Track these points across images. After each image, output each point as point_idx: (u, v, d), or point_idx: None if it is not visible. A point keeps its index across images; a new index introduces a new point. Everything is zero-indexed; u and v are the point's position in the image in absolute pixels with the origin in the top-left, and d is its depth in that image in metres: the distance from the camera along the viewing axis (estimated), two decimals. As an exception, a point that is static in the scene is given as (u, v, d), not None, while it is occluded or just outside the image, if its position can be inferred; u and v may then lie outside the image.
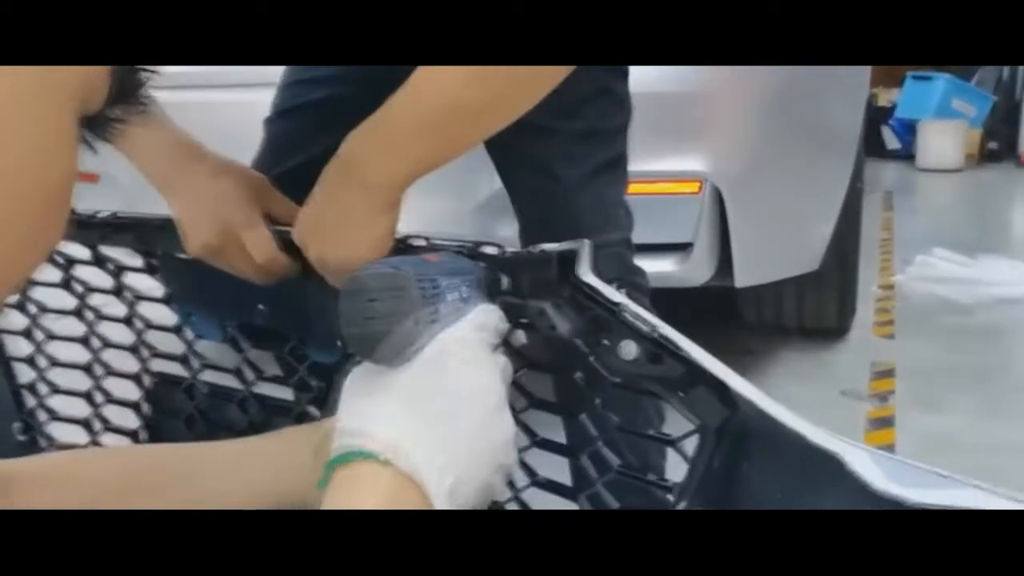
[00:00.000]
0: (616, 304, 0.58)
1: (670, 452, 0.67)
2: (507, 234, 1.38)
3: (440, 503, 0.42)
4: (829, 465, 0.48)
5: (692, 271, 1.48)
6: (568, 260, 0.58)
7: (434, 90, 0.60)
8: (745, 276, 1.56)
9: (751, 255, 1.56)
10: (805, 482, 0.51)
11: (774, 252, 1.69)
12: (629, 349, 0.59)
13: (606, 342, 0.61)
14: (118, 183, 1.82)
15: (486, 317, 0.51)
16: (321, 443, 0.47)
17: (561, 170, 0.97)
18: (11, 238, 0.34)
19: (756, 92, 1.50)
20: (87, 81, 0.35)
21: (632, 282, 1.00)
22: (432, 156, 0.62)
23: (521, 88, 0.62)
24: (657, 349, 0.58)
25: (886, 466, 0.44)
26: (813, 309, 2.05)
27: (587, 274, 0.59)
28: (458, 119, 0.61)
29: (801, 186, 1.68)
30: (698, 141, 1.36)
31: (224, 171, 0.73)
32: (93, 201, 1.95)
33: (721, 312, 1.99)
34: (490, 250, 0.61)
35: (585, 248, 0.58)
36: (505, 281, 0.63)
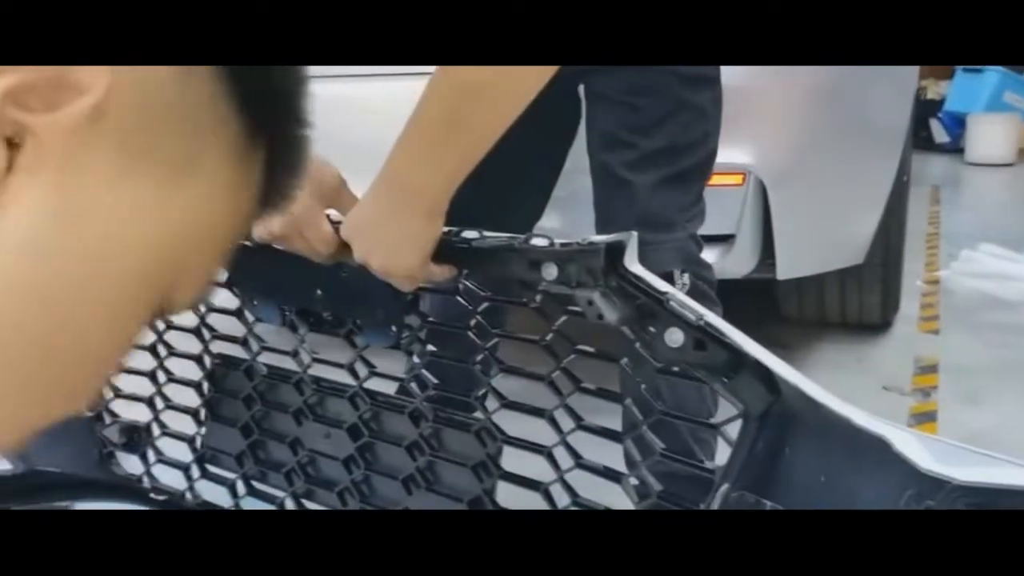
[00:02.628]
0: (663, 293, 0.60)
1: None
2: (552, 225, 1.41)
3: None
4: (875, 448, 0.49)
5: (734, 263, 1.49)
6: (616, 251, 0.60)
7: (447, 87, 0.61)
8: (787, 268, 1.56)
9: (794, 248, 1.55)
10: (851, 465, 0.52)
11: (817, 245, 1.69)
12: (675, 337, 0.61)
13: (652, 330, 0.63)
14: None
15: None
16: None
17: (636, 178, 1.01)
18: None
19: (802, 84, 1.50)
20: None
21: (697, 274, 1.03)
22: (462, 154, 0.64)
23: (528, 71, 0.61)
24: (702, 336, 0.60)
25: (932, 447, 0.45)
26: (855, 303, 2.03)
27: (634, 264, 0.61)
28: (475, 109, 0.63)
29: (846, 179, 1.66)
30: (742, 133, 1.36)
31: None
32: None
33: (761, 305, 1.99)
34: (539, 242, 0.64)
35: (632, 240, 0.60)
36: (552, 271, 0.66)
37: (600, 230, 1.11)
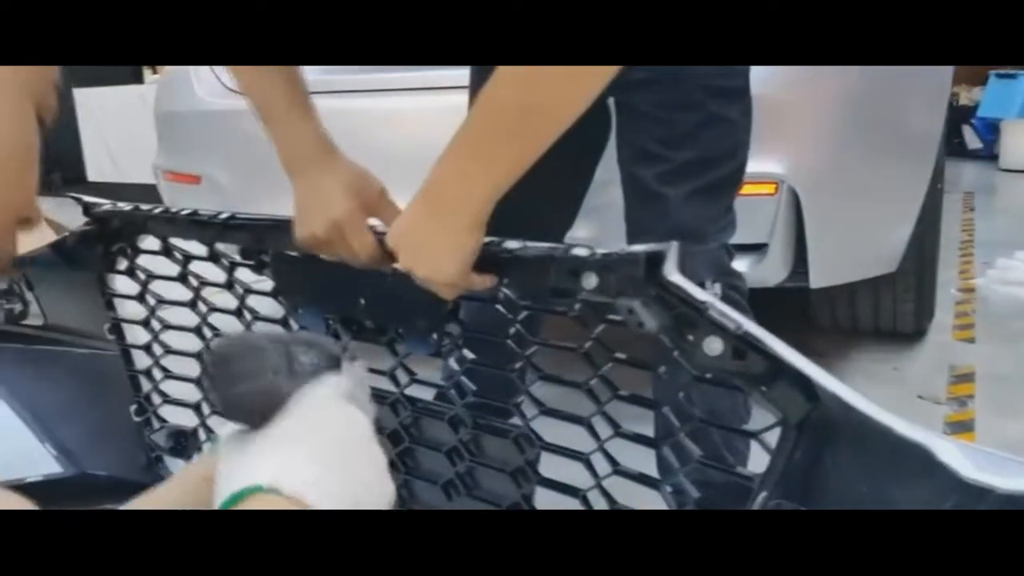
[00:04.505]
0: (702, 302, 0.61)
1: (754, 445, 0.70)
2: (581, 236, 1.43)
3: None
4: (917, 456, 0.49)
5: (767, 271, 1.49)
6: (655, 261, 0.61)
7: (494, 101, 0.63)
8: (821, 277, 1.56)
9: (827, 256, 1.55)
10: (892, 474, 0.53)
11: (851, 253, 1.68)
12: (714, 345, 0.62)
13: (690, 338, 0.64)
14: (218, 185, 1.93)
15: (338, 380, 0.53)
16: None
17: (667, 190, 1.03)
18: None
19: (834, 93, 1.50)
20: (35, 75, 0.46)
21: (729, 283, 1.04)
22: (506, 169, 0.65)
23: (571, 85, 0.62)
24: (742, 345, 0.60)
25: (974, 456, 0.46)
26: (889, 311, 2.01)
27: (674, 274, 0.62)
28: (522, 127, 0.64)
29: (879, 187, 1.65)
30: (774, 142, 1.37)
31: (346, 173, 0.79)
32: (196, 201, 2.07)
33: (793, 314, 1.98)
34: (580, 251, 0.65)
35: (672, 249, 0.61)
36: (592, 280, 0.67)
37: (631, 241, 1.12)
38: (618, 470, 0.76)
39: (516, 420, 0.82)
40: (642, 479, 0.76)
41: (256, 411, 0.50)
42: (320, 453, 0.47)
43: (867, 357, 2.08)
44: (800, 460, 0.63)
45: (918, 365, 2.05)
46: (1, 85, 0.45)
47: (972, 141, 5.54)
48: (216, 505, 0.45)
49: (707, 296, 0.61)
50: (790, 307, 1.91)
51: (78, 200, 0.96)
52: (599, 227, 1.48)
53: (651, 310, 0.61)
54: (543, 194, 1.14)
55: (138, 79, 4.73)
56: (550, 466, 0.81)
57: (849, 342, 2.12)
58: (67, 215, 0.97)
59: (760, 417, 0.65)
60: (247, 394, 0.51)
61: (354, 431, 0.50)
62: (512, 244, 0.68)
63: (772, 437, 0.64)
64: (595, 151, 1.24)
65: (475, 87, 1.22)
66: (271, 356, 0.51)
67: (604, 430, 0.76)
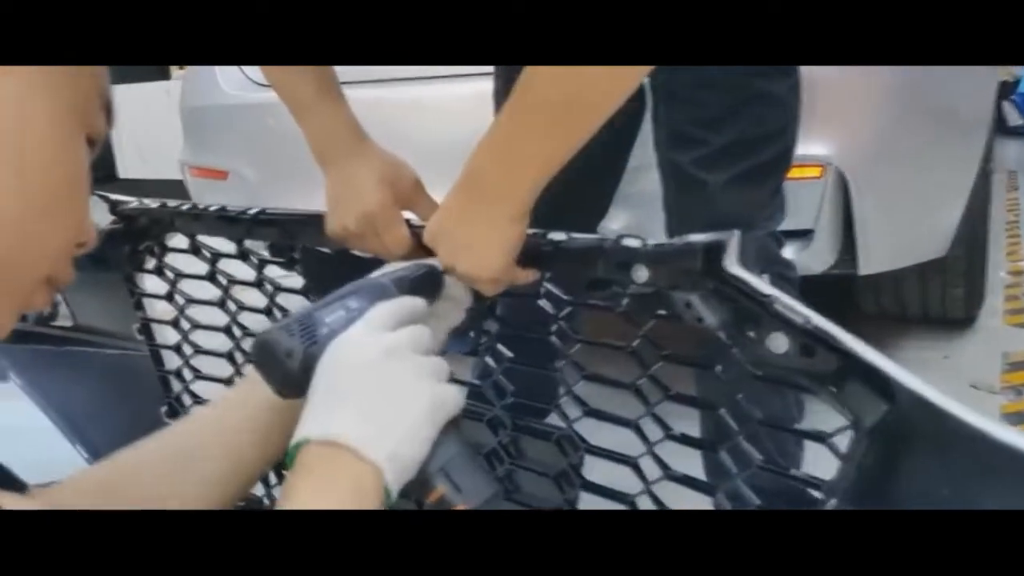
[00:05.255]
0: (767, 296, 0.56)
1: (810, 445, 0.66)
2: (614, 226, 1.38)
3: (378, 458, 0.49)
4: (1010, 461, 0.45)
5: (813, 258, 1.43)
6: (715, 252, 0.57)
7: (542, 91, 0.59)
8: (869, 263, 1.49)
9: (876, 241, 1.48)
10: (982, 481, 0.48)
11: (900, 238, 1.61)
12: (779, 342, 0.57)
13: (751, 334, 0.59)
14: (245, 180, 1.91)
15: (374, 314, 0.55)
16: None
17: (708, 176, 0.97)
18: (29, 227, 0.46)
19: (881, 72, 1.43)
20: (85, 99, 0.48)
21: (779, 273, 0.98)
22: (551, 156, 0.62)
23: (616, 74, 0.59)
24: (811, 341, 0.56)
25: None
26: (938, 297, 1.93)
27: (734, 266, 0.57)
28: (569, 113, 0.60)
29: (929, 168, 1.58)
30: (820, 123, 1.30)
31: (379, 163, 0.75)
32: (223, 196, 2.06)
33: (837, 301, 1.91)
34: (631, 242, 0.61)
35: (733, 239, 0.56)
36: (643, 274, 0.62)
37: (671, 231, 1.07)
38: (669, 474, 0.72)
39: (557, 422, 0.78)
40: (694, 484, 0.72)
41: (296, 392, 0.53)
42: (355, 399, 0.51)
43: (916, 345, 2.00)
44: (872, 466, 0.59)
45: (969, 353, 1.98)
46: (50, 109, 0.45)
47: (1012, 117, 5.36)
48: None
49: (772, 289, 0.56)
50: (833, 295, 1.84)
51: (105, 199, 0.94)
52: (632, 217, 1.43)
53: (710, 304, 0.56)
54: (574, 183, 1.09)
55: (164, 75, 4.76)
56: (590, 469, 0.77)
57: (896, 330, 2.05)
58: (97, 214, 0.95)
59: (817, 416, 0.60)
60: (276, 388, 0.54)
61: (381, 373, 0.52)
62: (557, 235, 0.64)
63: (840, 441, 0.60)
64: (629, 136, 1.18)
65: (503, 76, 1.17)
66: (281, 343, 0.53)
67: (651, 432, 0.72)
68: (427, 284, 0.63)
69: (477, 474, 0.55)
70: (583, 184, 1.11)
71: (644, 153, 1.13)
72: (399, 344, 0.54)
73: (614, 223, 1.37)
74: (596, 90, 0.59)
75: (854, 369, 0.56)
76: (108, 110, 0.50)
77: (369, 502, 0.48)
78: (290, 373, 0.53)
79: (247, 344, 0.95)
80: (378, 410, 0.50)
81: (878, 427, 0.57)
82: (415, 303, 0.59)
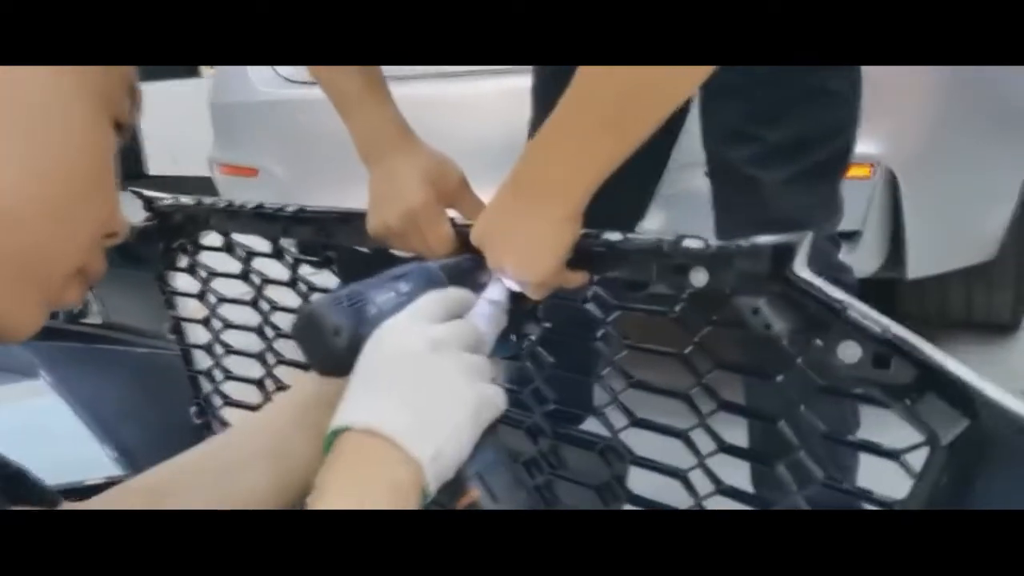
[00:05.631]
0: (840, 302, 0.52)
1: (865, 458, 0.62)
2: (653, 227, 1.34)
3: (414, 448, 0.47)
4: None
5: (860, 261, 1.37)
6: (784, 254, 0.53)
7: (606, 85, 0.56)
8: (918, 266, 1.44)
9: (926, 244, 1.43)
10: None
11: (950, 240, 1.55)
12: (851, 351, 0.53)
13: (819, 343, 0.56)
14: (275, 177, 1.90)
15: (423, 303, 0.54)
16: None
17: (763, 175, 0.93)
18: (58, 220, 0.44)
19: (932, 67, 1.38)
20: (111, 84, 0.46)
21: (836, 278, 0.94)
22: (612, 153, 0.58)
23: (678, 72, 0.56)
24: (886, 351, 0.52)
25: None
26: (983, 301, 1.87)
27: (804, 270, 0.54)
28: (635, 108, 0.57)
29: (980, 167, 1.52)
30: (870, 121, 1.25)
31: (424, 159, 0.73)
32: (252, 193, 2.05)
33: (878, 305, 1.86)
34: (693, 243, 0.57)
35: (805, 241, 0.52)
36: (702, 277, 0.59)
37: (721, 233, 1.02)
38: (722, 489, 0.68)
39: (596, 429, 0.75)
40: (749, 498, 0.68)
41: (337, 370, 0.51)
42: (398, 389, 0.49)
43: (960, 349, 1.94)
44: (948, 485, 0.55)
45: (1017, 358, 1.91)
46: (76, 94, 0.43)
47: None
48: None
49: (845, 295, 0.52)
50: (870, 299, 1.79)
51: (139, 195, 0.92)
52: (670, 217, 1.39)
53: (779, 311, 0.53)
54: (614, 182, 1.05)
55: (195, 72, 4.79)
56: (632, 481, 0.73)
57: (941, 336, 1.99)
58: (130, 210, 0.94)
59: (872, 423, 0.56)
60: (317, 363, 0.53)
61: (423, 363, 0.50)
62: (612, 236, 0.60)
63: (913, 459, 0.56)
64: (671, 132, 1.14)
65: (542, 71, 1.14)
66: (329, 317, 0.51)
67: (701, 443, 0.68)
68: (476, 278, 0.60)
69: (513, 483, 0.52)
70: (624, 183, 1.06)
71: (683, 151, 1.09)
72: (447, 338, 0.52)
73: (651, 223, 1.33)
74: (655, 88, 0.56)
75: (933, 381, 0.52)
76: (133, 94, 0.48)
77: (405, 500, 0.46)
78: (335, 351, 0.51)
79: (279, 345, 0.93)
80: (423, 405, 0.48)
81: (956, 443, 0.53)
82: (465, 295, 0.57)
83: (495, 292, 0.62)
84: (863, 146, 1.30)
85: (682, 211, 1.29)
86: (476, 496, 0.50)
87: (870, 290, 1.60)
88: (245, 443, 0.61)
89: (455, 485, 0.50)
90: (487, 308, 0.60)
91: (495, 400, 0.52)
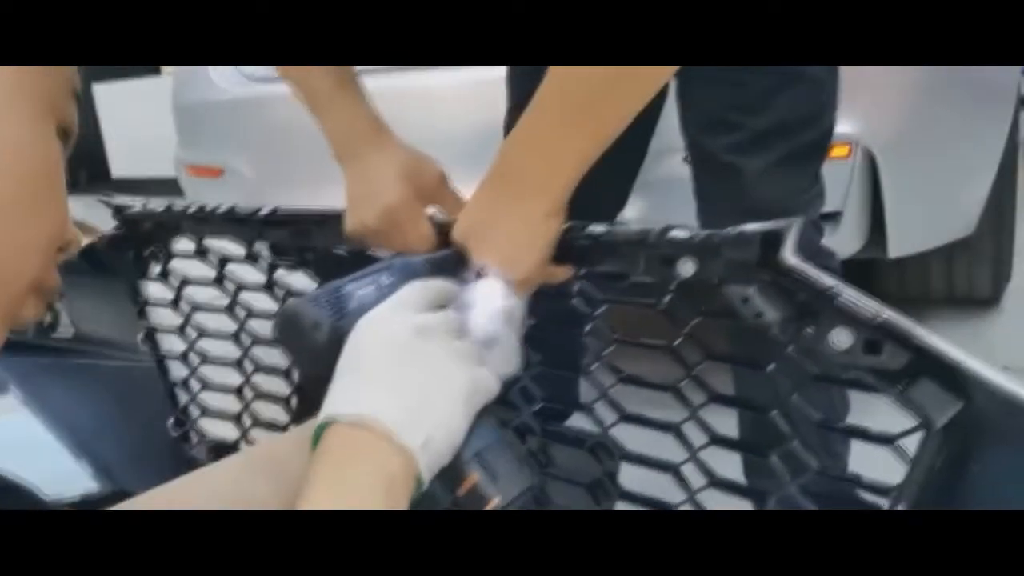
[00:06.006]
0: (830, 288, 0.51)
1: (857, 445, 0.61)
2: (633, 215, 1.32)
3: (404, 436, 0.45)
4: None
5: (841, 242, 1.37)
6: (772, 241, 0.52)
7: (579, 76, 0.55)
8: (899, 245, 1.44)
9: (906, 222, 1.43)
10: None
11: (930, 218, 1.55)
12: (842, 338, 0.52)
13: (809, 330, 0.55)
14: (243, 176, 1.87)
15: (406, 292, 0.52)
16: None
17: (745, 162, 0.91)
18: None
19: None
20: (53, 86, 0.43)
21: (820, 264, 0.93)
22: (590, 144, 0.57)
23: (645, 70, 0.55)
24: (878, 337, 0.51)
25: None
26: (964, 277, 1.88)
27: (793, 256, 0.52)
28: (610, 97, 0.56)
29: (958, 143, 1.52)
30: (847, 101, 1.25)
31: (401, 156, 0.71)
32: (218, 194, 2.01)
33: (857, 283, 1.86)
34: (679, 233, 0.56)
35: (793, 228, 0.51)
36: (689, 267, 0.57)
37: (703, 221, 1.01)
38: (715, 481, 0.67)
39: (571, 422, 0.74)
40: (743, 491, 0.67)
41: (320, 369, 0.50)
42: (385, 378, 0.47)
43: (941, 326, 1.95)
44: (942, 468, 0.54)
45: (998, 333, 1.92)
46: (14, 99, 0.41)
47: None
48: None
49: (835, 281, 0.51)
50: (850, 278, 1.79)
51: (107, 203, 0.89)
52: (653, 205, 1.38)
53: (770, 299, 0.51)
54: (595, 173, 1.04)
55: (156, 71, 4.69)
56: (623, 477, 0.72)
57: (922, 312, 1.99)
58: (98, 216, 0.91)
59: (860, 408, 0.55)
60: (300, 364, 0.53)
61: (404, 351, 0.49)
62: (597, 229, 0.59)
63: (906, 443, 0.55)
64: (649, 119, 1.12)
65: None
66: (307, 314, 0.50)
67: (692, 435, 0.67)
68: (459, 272, 0.59)
69: (514, 463, 0.51)
70: (604, 173, 1.05)
71: (661, 137, 1.08)
72: (432, 325, 0.50)
73: (631, 211, 1.32)
74: (629, 80, 0.55)
75: (925, 365, 0.51)
76: (77, 98, 0.46)
77: (398, 491, 0.44)
78: (316, 347, 0.49)
79: (256, 352, 0.90)
80: (411, 392, 0.47)
81: (950, 427, 0.52)
82: (449, 286, 0.55)
83: (502, 292, 0.60)
84: (841, 126, 1.30)
85: (662, 198, 1.28)
86: (476, 479, 0.49)
87: (851, 271, 1.61)
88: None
89: (453, 471, 0.49)
90: (499, 307, 0.58)
91: (488, 383, 0.50)
